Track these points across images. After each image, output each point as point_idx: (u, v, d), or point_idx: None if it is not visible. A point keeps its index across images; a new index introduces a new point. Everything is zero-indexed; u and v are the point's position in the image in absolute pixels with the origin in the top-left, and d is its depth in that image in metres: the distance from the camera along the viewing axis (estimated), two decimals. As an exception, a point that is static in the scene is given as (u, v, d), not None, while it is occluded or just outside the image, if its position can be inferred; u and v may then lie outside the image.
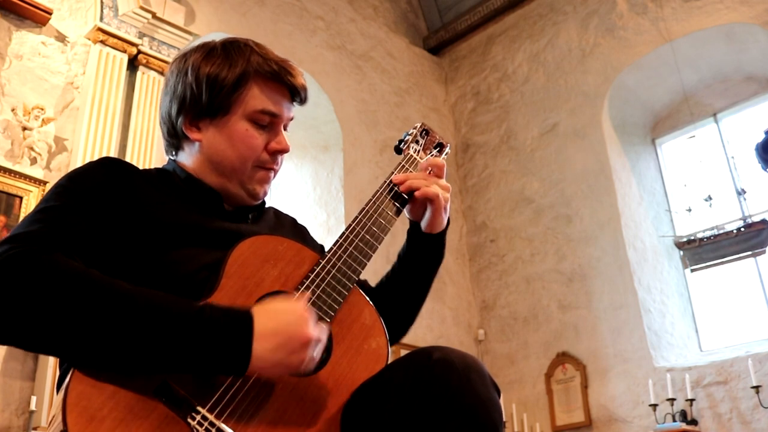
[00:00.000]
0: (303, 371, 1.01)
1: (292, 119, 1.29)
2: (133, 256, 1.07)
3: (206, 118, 1.22)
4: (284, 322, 0.99)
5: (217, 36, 4.65)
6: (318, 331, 1.01)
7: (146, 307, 0.94)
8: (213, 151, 1.22)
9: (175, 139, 1.27)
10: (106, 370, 0.93)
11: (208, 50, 1.24)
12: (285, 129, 1.27)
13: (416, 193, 1.29)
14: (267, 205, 1.38)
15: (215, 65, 1.21)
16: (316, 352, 1.01)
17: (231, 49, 1.23)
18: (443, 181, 1.34)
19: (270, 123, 1.23)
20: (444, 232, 1.38)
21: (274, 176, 1.29)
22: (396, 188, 1.31)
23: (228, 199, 1.25)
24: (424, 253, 1.39)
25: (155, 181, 1.21)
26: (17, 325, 0.92)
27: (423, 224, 1.35)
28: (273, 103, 1.23)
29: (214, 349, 0.95)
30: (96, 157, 3.87)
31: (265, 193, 1.29)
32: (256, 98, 1.21)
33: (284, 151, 1.26)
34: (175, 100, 1.23)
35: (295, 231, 1.38)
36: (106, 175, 1.14)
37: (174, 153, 1.29)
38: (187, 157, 1.26)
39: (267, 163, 1.24)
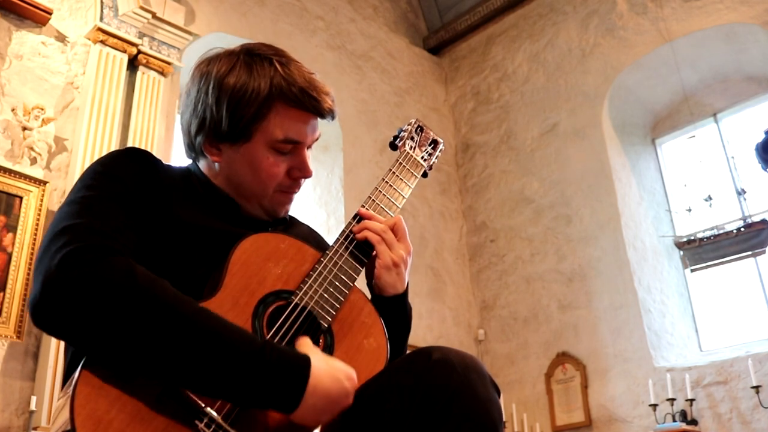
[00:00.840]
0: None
1: (318, 139, 1.24)
2: (149, 249, 1.07)
3: (226, 142, 1.18)
4: (337, 388, 0.99)
5: (217, 36, 4.67)
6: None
7: (212, 336, 0.95)
8: (232, 174, 1.20)
9: (194, 153, 1.24)
10: (155, 381, 0.94)
11: (230, 65, 1.17)
12: (309, 147, 1.23)
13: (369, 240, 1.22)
14: (296, 217, 1.36)
15: (236, 88, 1.15)
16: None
17: (254, 67, 1.17)
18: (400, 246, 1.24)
19: (293, 149, 1.19)
20: (402, 298, 1.24)
21: (295, 194, 1.27)
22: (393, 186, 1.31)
23: (244, 210, 1.23)
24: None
25: (177, 178, 1.20)
26: (79, 325, 0.92)
27: (373, 282, 1.23)
28: (296, 132, 1.18)
29: (269, 391, 0.95)
30: (96, 158, 3.86)
31: (286, 213, 1.27)
32: (278, 127, 1.16)
33: (306, 177, 1.22)
34: (195, 119, 1.19)
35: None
36: (137, 166, 1.13)
37: (194, 160, 1.27)
38: (206, 169, 1.24)
39: (289, 187, 1.22)
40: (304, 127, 1.19)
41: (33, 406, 3.14)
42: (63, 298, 0.92)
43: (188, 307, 0.96)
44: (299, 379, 0.97)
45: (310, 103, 1.17)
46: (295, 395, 0.96)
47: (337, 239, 1.20)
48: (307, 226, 1.39)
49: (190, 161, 1.29)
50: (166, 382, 0.94)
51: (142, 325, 0.92)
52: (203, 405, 0.96)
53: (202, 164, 1.25)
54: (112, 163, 1.13)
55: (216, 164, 1.21)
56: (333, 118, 1.23)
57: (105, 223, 1.01)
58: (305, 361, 0.98)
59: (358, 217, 1.24)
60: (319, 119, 1.22)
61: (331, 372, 0.99)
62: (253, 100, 1.14)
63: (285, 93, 1.15)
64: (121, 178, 1.10)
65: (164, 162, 1.22)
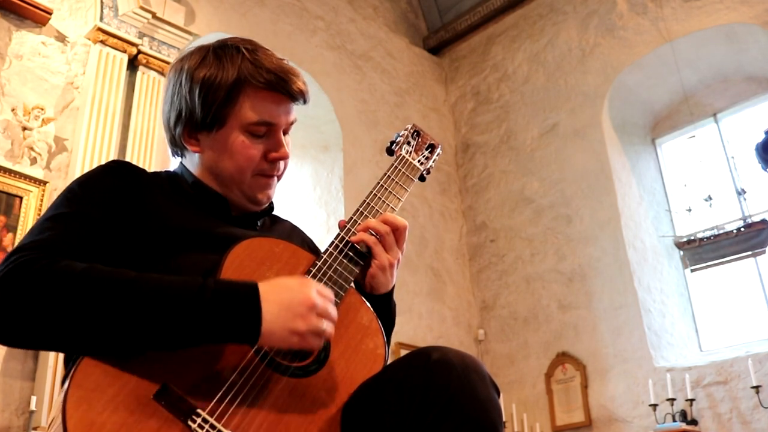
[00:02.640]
0: (312, 342, 1.01)
1: (293, 123, 1.25)
2: (139, 261, 1.07)
3: (203, 131, 1.21)
4: (286, 287, 1.02)
5: (217, 36, 4.66)
6: (323, 300, 1.02)
7: (152, 288, 0.96)
8: (212, 163, 1.22)
9: (177, 148, 1.27)
10: (123, 357, 0.95)
11: (201, 57, 1.21)
12: (286, 133, 1.25)
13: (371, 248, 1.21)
14: (279, 215, 1.37)
15: (207, 77, 1.18)
16: (326, 325, 1.02)
17: (223, 57, 1.20)
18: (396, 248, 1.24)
19: (267, 131, 1.21)
20: (389, 295, 1.27)
21: (278, 181, 1.28)
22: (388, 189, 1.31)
23: (232, 205, 1.25)
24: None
25: (164, 185, 1.21)
26: (31, 329, 0.94)
27: (365, 281, 1.24)
28: (268, 114, 1.20)
29: (226, 315, 0.96)
30: (96, 158, 3.85)
31: (269, 198, 1.28)
32: (249, 110, 1.18)
33: (283, 158, 1.24)
34: (173, 112, 1.22)
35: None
36: (116, 180, 1.14)
37: (180, 157, 1.30)
38: (190, 164, 1.26)
39: (267, 170, 1.23)
40: (276, 108, 1.21)
41: (33, 406, 3.14)
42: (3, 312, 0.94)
43: (120, 272, 0.98)
44: (249, 290, 0.99)
45: (279, 84, 1.19)
46: (253, 305, 0.98)
47: (332, 242, 1.19)
48: (290, 222, 1.39)
49: (178, 164, 1.31)
50: (129, 349, 0.95)
51: (84, 305, 0.93)
52: (196, 405, 0.96)
53: (187, 162, 1.27)
54: (88, 181, 1.14)
55: (197, 155, 1.24)
56: (305, 101, 1.24)
57: (61, 239, 1.03)
58: (250, 282, 1.01)
59: (359, 211, 1.24)
60: (294, 104, 1.24)
61: (276, 281, 1.03)
62: (223, 86, 1.18)
63: (254, 76, 1.18)
64: (97, 196, 1.11)
65: (158, 167, 1.23)
